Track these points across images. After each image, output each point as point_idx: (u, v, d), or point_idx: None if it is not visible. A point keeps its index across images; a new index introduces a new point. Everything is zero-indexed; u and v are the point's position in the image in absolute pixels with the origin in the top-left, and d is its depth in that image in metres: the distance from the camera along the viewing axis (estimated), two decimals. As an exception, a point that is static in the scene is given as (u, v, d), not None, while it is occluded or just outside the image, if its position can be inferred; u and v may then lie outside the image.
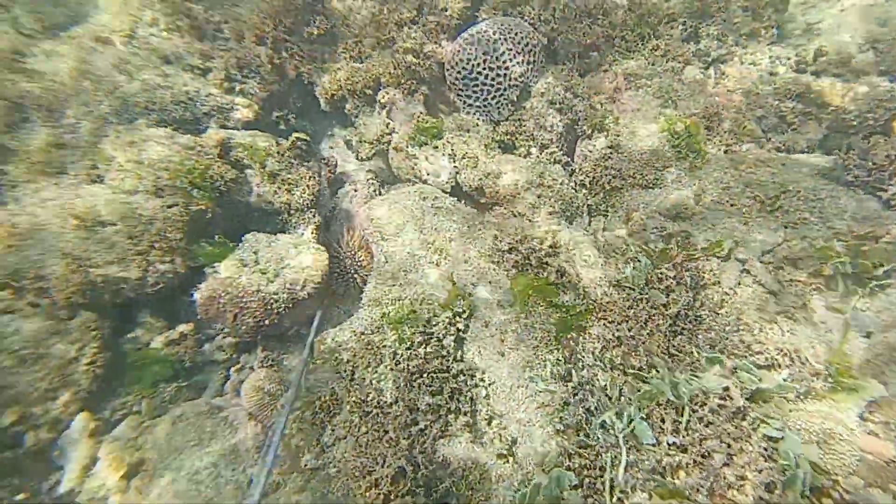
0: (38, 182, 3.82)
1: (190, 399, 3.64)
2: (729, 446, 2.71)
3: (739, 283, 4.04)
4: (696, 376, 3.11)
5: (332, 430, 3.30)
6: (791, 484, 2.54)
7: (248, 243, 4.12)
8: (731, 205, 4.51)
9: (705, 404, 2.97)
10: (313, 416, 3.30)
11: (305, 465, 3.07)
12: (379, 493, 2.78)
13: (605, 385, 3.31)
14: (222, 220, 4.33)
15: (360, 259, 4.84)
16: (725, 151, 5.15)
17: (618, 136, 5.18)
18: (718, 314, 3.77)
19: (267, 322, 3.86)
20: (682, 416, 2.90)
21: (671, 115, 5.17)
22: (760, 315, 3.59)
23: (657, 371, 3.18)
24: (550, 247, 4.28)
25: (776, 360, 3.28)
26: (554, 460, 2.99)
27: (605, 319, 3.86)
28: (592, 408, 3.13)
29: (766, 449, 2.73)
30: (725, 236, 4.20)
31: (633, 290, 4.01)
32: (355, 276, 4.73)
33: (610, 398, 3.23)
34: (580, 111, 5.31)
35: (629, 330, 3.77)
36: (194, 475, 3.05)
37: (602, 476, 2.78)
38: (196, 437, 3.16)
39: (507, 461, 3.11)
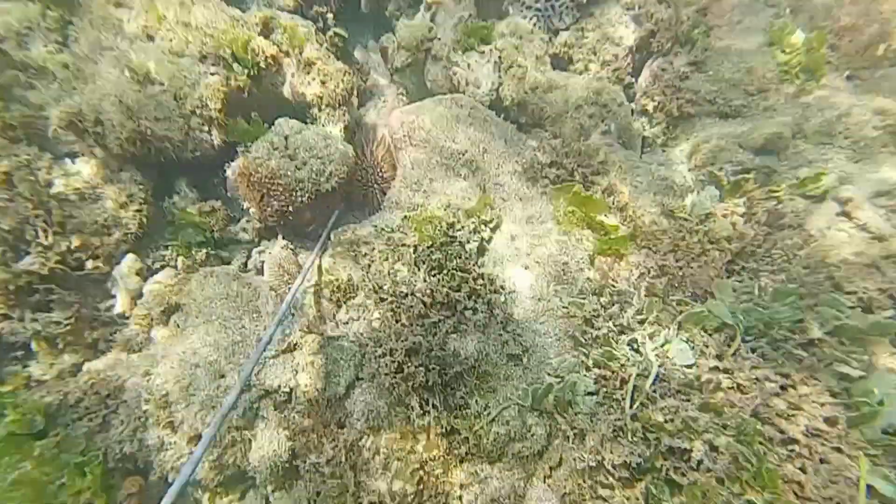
0: (100, 33, 3.94)
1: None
2: (787, 377, 2.33)
3: (830, 228, 3.42)
4: (762, 306, 2.69)
5: (347, 311, 3.26)
6: (864, 421, 2.16)
7: (280, 127, 4.02)
8: (845, 137, 3.73)
9: (765, 335, 2.57)
10: (330, 294, 3.27)
11: (323, 333, 3.08)
12: (393, 361, 2.78)
13: (641, 308, 2.96)
14: (256, 105, 4.24)
15: (383, 170, 4.63)
16: (849, 77, 4.26)
17: (706, 50, 4.41)
18: (797, 256, 3.22)
19: (291, 208, 3.80)
20: (733, 343, 2.52)
21: (786, 24, 4.26)
22: (858, 258, 3.01)
23: (715, 290, 2.77)
24: (600, 163, 3.82)
25: (876, 299, 2.76)
26: (570, 368, 2.76)
27: (649, 248, 3.43)
28: (624, 324, 2.81)
29: (837, 385, 2.33)
30: (827, 171, 3.51)
31: (689, 220, 3.51)
32: (375, 186, 4.55)
33: (642, 321, 2.88)
34: (663, 20, 4.53)
35: (676, 261, 3.34)
36: (224, 321, 3.29)
37: (623, 388, 2.52)
38: (224, 292, 3.41)
39: (518, 364, 2.92)
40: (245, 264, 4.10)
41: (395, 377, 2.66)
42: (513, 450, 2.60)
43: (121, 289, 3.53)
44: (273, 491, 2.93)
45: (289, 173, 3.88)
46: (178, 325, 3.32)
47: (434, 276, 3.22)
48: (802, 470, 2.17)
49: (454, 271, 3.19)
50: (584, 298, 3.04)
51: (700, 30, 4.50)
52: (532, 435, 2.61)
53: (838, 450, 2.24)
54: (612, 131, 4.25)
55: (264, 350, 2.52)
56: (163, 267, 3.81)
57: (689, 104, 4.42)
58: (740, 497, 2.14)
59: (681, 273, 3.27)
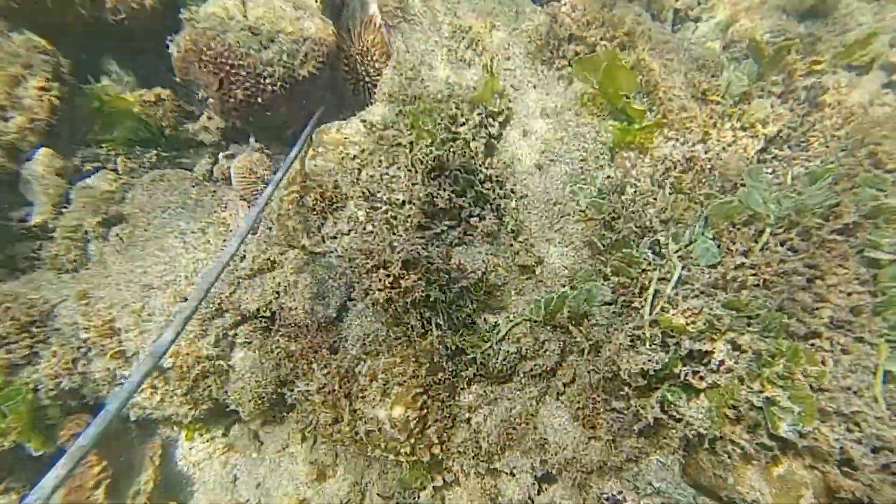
0: None
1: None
2: (815, 267, 2.20)
3: (873, 103, 3.05)
4: (796, 193, 2.45)
5: (335, 223, 2.90)
6: (889, 307, 2.10)
7: None
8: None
9: (797, 224, 2.38)
10: (313, 203, 2.86)
11: (304, 246, 2.75)
12: (388, 275, 2.46)
13: (665, 206, 2.70)
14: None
15: (374, 59, 3.85)
16: None
17: None
18: (834, 136, 2.91)
19: (260, 100, 3.17)
20: (761, 237, 2.33)
21: None
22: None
23: (747, 177, 2.51)
24: (626, 34, 3.20)
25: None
26: (586, 276, 2.58)
27: (678, 139, 3.05)
28: (646, 225, 2.57)
29: (866, 272, 2.23)
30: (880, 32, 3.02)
31: (723, 103, 3.07)
32: (365, 79, 3.82)
33: (666, 221, 2.65)
34: None
35: (706, 152, 3.00)
36: (180, 234, 2.83)
37: (643, 295, 2.38)
38: (180, 200, 2.90)
39: (531, 277, 2.73)
40: (210, 172, 3.56)
41: (390, 291, 2.40)
42: (524, 368, 2.54)
43: (38, 193, 2.84)
44: (262, 425, 2.86)
45: (251, 52, 3.17)
46: (123, 240, 2.85)
47: (435, 179, 2.84)
48: (823, 363, 2.16)
49: (458, 173, 2.81)
50: (602, 198, 2.75)
51: None
52: (545, 352, 2.53)
53: (860, 339, 2.22)
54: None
55: (229, 261, 2.16)
56: (97, 169, 3.14)
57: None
58: (760, 394, 2.15)
59: (710, 165, 2.96)
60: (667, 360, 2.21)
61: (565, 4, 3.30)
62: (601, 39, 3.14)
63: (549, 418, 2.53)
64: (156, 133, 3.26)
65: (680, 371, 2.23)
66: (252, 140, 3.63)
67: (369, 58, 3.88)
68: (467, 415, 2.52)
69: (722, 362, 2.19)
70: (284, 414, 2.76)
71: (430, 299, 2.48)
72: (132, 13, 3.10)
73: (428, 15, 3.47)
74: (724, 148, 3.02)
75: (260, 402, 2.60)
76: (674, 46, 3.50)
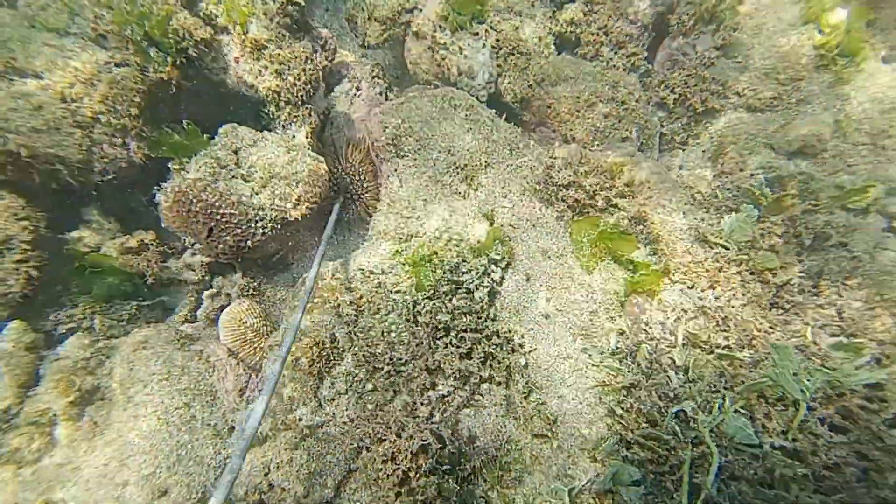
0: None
1: (153, 322, 3.00)
2: (867, 459, 2.03)
3: (877, 247, 3.11)
4: (827, 367, 2.35)
5: (332, 384, 2.68)
6: None
7: (226, 138, 3.20)
8: (889, 136, 3.38)
9: (835, 402, 2.24)
10: (310, 364, 2.65)
11: (300, 420, 2.48)
12: (396, 469, 2.31)
13: (685, 366, 2.57)
14: (191, 102, 3.34)
15: (365, 179, 3.91)
16: (885, 59, 3.87)
17: (734, 30, 3.86)
18: (847, 286, 2.90)
19: (249, 243, 3.08)
20: (797, 415, 2.18)
21: (822, -2, 3.78)
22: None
23: (774, 353, 2.41)
24: (626, 185, 3.30)
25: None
26: (609, 448, 2.36)
27: (685, 284, 3.02)
28: (671, 394, 2.42)
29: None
30: (873, 179, 3.16)
31: (728, 248, 3.09)
32: (356, 201, 3.84)
33: (692, 383, 2.50)
34: (684, -7, 3.93)
35: (716, 299, 2.95)
36: (163, 414, 2.55)
37: (674, 475, 2.16)
38: (165, 369, 2.73)
39: (547, 442, 2.49)
40: (193, 314, 3.36)
41: (399, 490, 2.14)
42: None
43: (2, 373, 2.64)
44: None
45: (244, 199, 3.13)
46: (97, 423, 2.58)
47: (440, 338, 2.68)
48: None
49: (464, 333, 2.66)
50: (618, 360, 2.61)
51: (726, 4, 3.92)
52: None
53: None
54: (635, 137, 3.70)
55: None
56: (71, 332, 2.94)
57: (713, 96, 3.91)
58: None
59: (723, 314, 2.89)
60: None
61: (557, 159, 3.40)
62: (600, 189, 3.20)
63: None
64: (138, 284, 3.10)
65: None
66: (237, 276, 3.48)
67: (358, 177, 3.92)
68: None
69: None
70: None
71: (441, 494, 2.21)
72: (121, 171, 3.08)
73: (421, 150, 3.54)
74: (733, 296, 2.97)
75: None
76: (670, 186, 3.62)
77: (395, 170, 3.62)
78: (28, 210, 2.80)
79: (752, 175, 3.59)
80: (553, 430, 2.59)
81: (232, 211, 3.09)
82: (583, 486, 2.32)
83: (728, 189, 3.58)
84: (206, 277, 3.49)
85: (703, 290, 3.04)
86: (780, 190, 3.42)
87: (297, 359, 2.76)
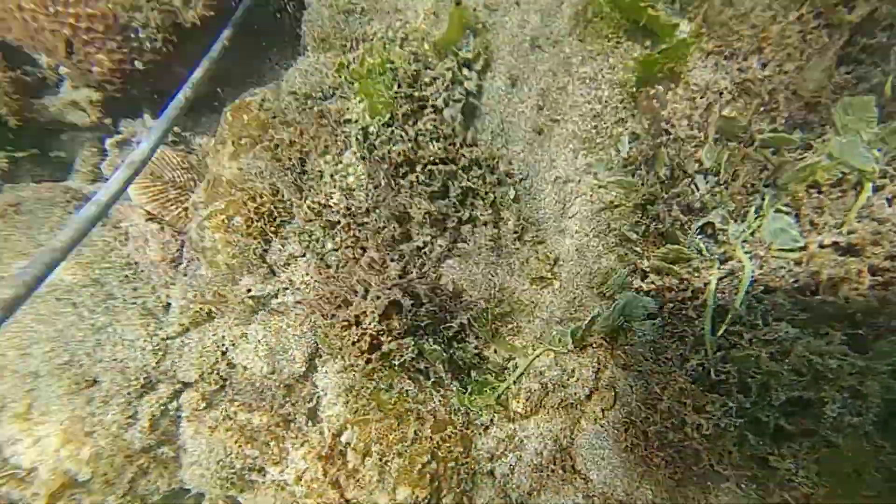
0: None
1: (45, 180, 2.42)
2: None
3: None
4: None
5: (283, 246, 2.19)
6: None
7: None
8: None
9: None
10: (248, 223, 2.13)
11: (248, 292, 2.09)
12: (363, 334, 1.97)
13: (716, 166, 1.97)
14: None
15: None
16: None
17: None
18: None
19: (138, 65, 2.24)
20: (859, 198, 1.68)
21: None
22: None
23: (843, 115, 1.80)
24: None
25: None
26: (620, 280, 1.96)
27: (722, 49, 2.19)
28: (697, 205, 1.88)
29: None
30: None
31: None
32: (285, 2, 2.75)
33: (723, 186, 1.95)
34: None
35: (763, 65, 2.17)
36: (66, 293, 2.15)
37: (697, 300, 1.79)
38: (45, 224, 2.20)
39: (547, 284, 2.09)
40: (99, 167, 2.67)
41: (369, 357, 1.84)
42: (551, 402, 2.03)
43: None
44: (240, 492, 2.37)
45: None
46: None
47: (404, 178, 2.07)
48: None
49: (433, 166, 2.02)
50: (631, 174, 2.01)
51: None
52: (576, 380, 2.00)
53: None
54: None
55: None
56: None
57: None
58: None
59: (771, 86, 2.15)
60: (748, 406, 1.68)
61: None
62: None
63: (590, 450, 2.09)
64: (1, 133, 2.37)
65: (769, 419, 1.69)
66: (145, 116, 2.69)
67: None
68: (489, 465, 2.08)
69: (839, 418, 1.63)
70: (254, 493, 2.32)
71: (423, 354, 1.89)
72: None
73: None
74: (790, 53, 2.15)
75: (229, 484, 2.15)
76: None
77: None
78: None
79: None
80: (554, 270, 2.16)
81: (89, 10, 2.10)
82: (585, 325, 1.97)
83: None
84: (103, 118, 2.68)
85: (745, 58, 2.20)
86: None
87: (228, 218, 2.21)
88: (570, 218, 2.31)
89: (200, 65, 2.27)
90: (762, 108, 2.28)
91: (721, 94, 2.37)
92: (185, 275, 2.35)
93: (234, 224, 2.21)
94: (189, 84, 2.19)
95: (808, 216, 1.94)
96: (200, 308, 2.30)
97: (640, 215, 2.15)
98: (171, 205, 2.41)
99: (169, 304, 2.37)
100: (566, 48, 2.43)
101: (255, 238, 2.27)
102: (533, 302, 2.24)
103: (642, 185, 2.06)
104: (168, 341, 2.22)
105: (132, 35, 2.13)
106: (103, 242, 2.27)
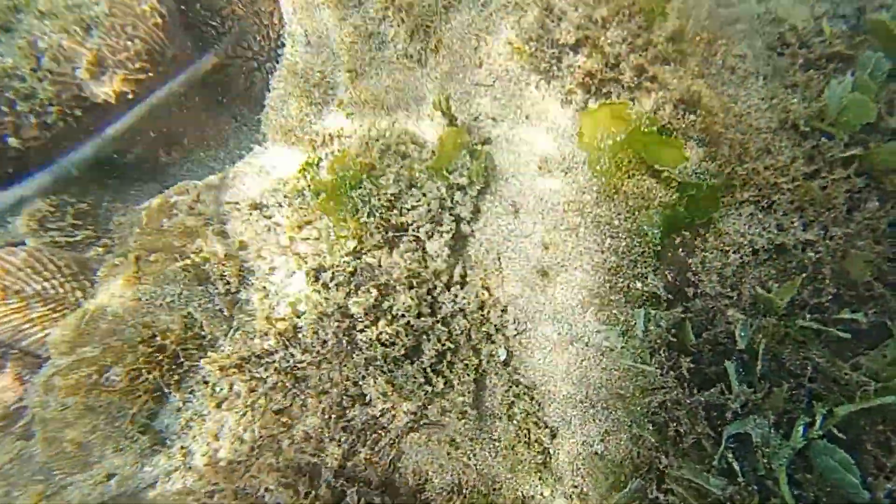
0: None
1: None
2: None
3: None
4: None
5: (185, 402, 1.64)
6: None
7: None
8: None
9: None
10: (134, 375, 1.58)
11: (108, 479, 1.54)
12: None
13: (754, 346, 1.58)
14: None
15: (264, 18, 2.35)
16: None
17: None
18: None
19: (12, 140, 1.77)
20: None
21: None
22: None
23: None
24: (671, 37, 1.84)
25: None
26: (632, 492, 1.48)
27: (759, 202, 1.85)
28: (734, 408, 1.47)
29: None
30: None
31: (834, 137, 1.87)
32: (261, 62, 2.34)
33: (756, 398, 1.55)
34: None
35: (804, 227, 1.85)
36: None
37: None
38: None
39: (540, 476, 1.59)
40: None
41: None
42: None
43: None
44: None
45: None
46: None
47: (362, 330, 1.58)
48: None
49: (402, 321, 1.55)
50: (647, 351, 1.59)
51: None
52: None
53: None
54: None
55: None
56: None
57: None
58: None
59: (816, 255, 1.82)
60: None
61: None
62: (629, 49, 1.74)
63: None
64: None
65: None
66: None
67: (259, 24, 2.38)
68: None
69: None
70: None
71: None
72: None
73: None
74: (835, 217, 1.83)
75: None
76: (744, 30, 2.16)
77: (298, 11, 2.02)
78: None
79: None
80: (549, 454, 1.65)
81: None
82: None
83: (843, 17, 2.09)
84: None
85: (784, 213, 1.85)
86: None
87: (100, 370, 1.61)
88: (570, 383, 1.84)
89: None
90: (805, 283, 1.89)
91: (756, 252, 2.02)
92: (14, 457, 1.70)
93: (109, 379, 1.56)
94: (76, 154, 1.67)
95: (873, 452, 1.51)
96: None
97: (657, 405, 1.70)
98: (33, 326, 1.79)
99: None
100: (580, 177, 2.05)
101: (140, 397, 1.62)
102: (520, 498, 1.73)
103: (662, 385, 1.59)
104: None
105: (4, 108, 1.61)
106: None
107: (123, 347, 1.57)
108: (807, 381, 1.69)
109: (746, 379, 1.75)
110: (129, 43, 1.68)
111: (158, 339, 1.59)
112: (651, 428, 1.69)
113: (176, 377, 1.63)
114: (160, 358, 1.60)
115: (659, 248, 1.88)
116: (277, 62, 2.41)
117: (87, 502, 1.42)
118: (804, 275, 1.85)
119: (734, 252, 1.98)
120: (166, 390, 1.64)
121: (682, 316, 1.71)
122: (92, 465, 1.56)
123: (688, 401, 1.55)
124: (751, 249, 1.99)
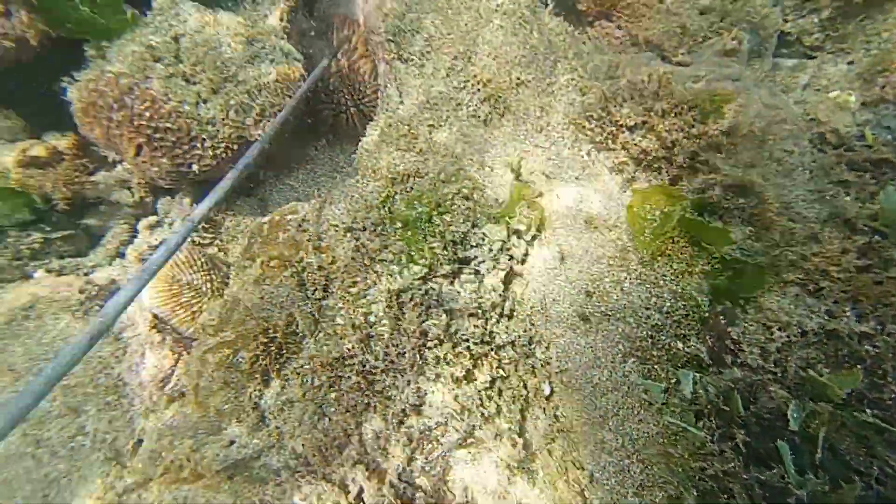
0: None
1: (69, 255, 2.24)
2: None
3: None
4: None
5: (283, 388, 1.81)
6: None
7: (162, 16, 2.10)
8: None
9: None
10: (253, 361, 1.77)
11: (230, 445, 1.65)
12: None
13: (804, 433, 1.53)
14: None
15: (360, 76, 2.79)
16: None
17: None
18: None
19: (195, 168, 2.11)
20: None
21: None
22: None
23: None
24: (725, 132, 2.05)
25: None
26: None
27: (806, 285, 1.88)
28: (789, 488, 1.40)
29: None
30: None
31: (888, 236, 1.89)
32: (348, 106, 2.76)
33: (817, 471, 1.47)
34: None
35: (859, 320, 1.83)
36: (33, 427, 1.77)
37: None
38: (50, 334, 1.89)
39: None
40: (122, 249, 2.49)
41: None
42: None
43: None
44: None
45: (185, 108, 2.15)
46: None
47: (431, 348, 1.72)
48: None
49: (466, 343, 1.68)
50: (692, 413, 1.58)
51: None
52: None
53: None
54: (745, 48, 2.35)
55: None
56: None
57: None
58: None
59: (874, 349, 1.78)
60: None
61: (622, 80, 2.12)
62: (684, 136, 1.96)
63: None
64: (45, 212, 2.24)
65: None
66: (183, 199, 2.55)
67: (356, 72, 2.81)
68: None
69: None
70: None
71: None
72: (7, 55, 2.09)
73: (432, 57, 2.36)
74: (891, 317, 1.80)
75: None
76: (790, 131, 2.32)
77: (395, 78, 2.46)
78: None
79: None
80: (586, 496, 1.63)
81: (168, 124, 2.08)
82: None
83: (888, 127, 2.22)
84: (146, 198, 2.56)
85: (836, 301, 1.87)
86: None
87: (235, 352, 1.87)
88: (610, 431, 1.82)
89: (249, 152, 2.14)
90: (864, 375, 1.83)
91: (805, 334, 2.01)
92: (168, 407, 1.96)
93: (239, 362, 1.81)
94: (235, 172, 2.04)
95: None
96: (169, 465, 1.87)
97: (702, 468, 1.66)
98: (181, 308, 2.11)
99: (141, 441, 1.94)
100: (623, 237, 2.20)
101: (255, 379, 1.85)
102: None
103: (713, 452, 1.57)
104: (124, 497, 1.72)
105: (197, 145, 2.08)
106: (98, 360, 1.93)
107: (249, 336, 1.78)
108: (874, 481, 1.53)
109: (798, 463, 1.66)
110: (285, 100, 2.22)
111: (271, 332, 1.79)
112: (695, 493, 1.62)
113: (277, 366, 1.81)
114: (272, 348, 1.81)
115: (707, 314, 1.96)
116: (361, 108, 2.94)
117: (214, 461, 1.62)
118: (862, 367, 1.81)
119: (779, 329, 1.98)
120: (271, 375, 1.83)
121: (731, 385, 1.64)
122: (221, 430, 1.74)
123: (744, 475, 1.41)
124: (799, 330, 1.95)
